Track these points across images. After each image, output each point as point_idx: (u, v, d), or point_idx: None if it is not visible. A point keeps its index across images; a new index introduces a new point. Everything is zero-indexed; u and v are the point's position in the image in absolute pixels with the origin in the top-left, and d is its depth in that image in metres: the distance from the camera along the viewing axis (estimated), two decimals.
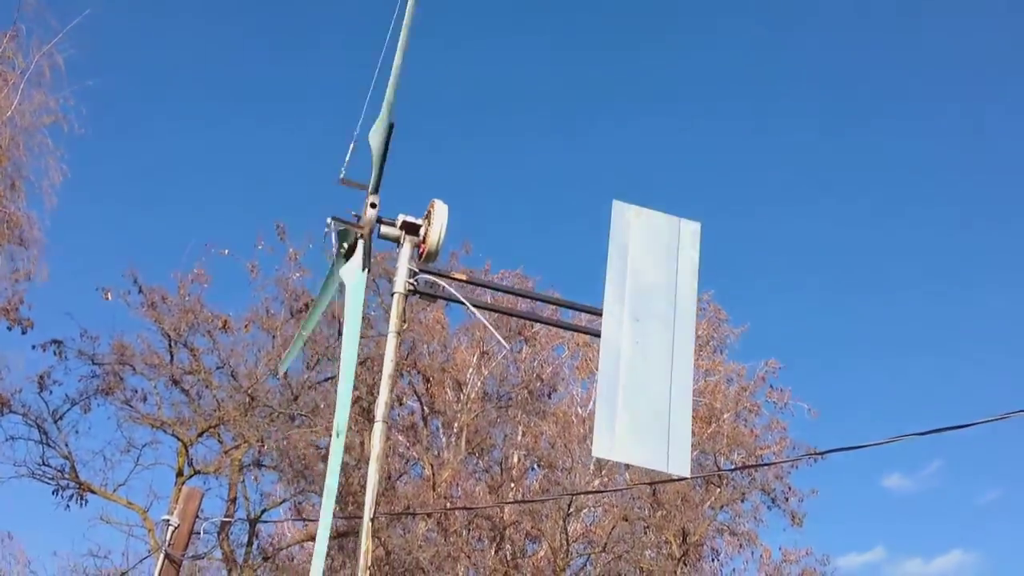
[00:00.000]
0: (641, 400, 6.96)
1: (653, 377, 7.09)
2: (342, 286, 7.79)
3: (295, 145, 57.28)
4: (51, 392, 23.18)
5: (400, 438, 29.72)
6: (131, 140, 50.06)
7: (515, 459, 32.28)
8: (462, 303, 7.43)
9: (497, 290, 7.14)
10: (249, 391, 23.10)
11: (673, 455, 6.91)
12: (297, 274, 25.72)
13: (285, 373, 22.90)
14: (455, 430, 31.28)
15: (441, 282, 7.35)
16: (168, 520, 16.20)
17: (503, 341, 26.41)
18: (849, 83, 63.56)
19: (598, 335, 7.27)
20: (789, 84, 63.73)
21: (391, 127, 7.24)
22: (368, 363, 25.45)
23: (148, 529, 22.43)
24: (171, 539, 16.15)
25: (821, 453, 9.97)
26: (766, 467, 29.81)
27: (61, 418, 23.04)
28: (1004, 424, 9.08)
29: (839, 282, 59.78)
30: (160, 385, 23.95)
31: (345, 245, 7.69)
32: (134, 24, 51.24)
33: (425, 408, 29.66)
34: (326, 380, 25.23)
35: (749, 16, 63.27)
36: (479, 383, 31.71)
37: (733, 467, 31.16)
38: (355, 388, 24.65)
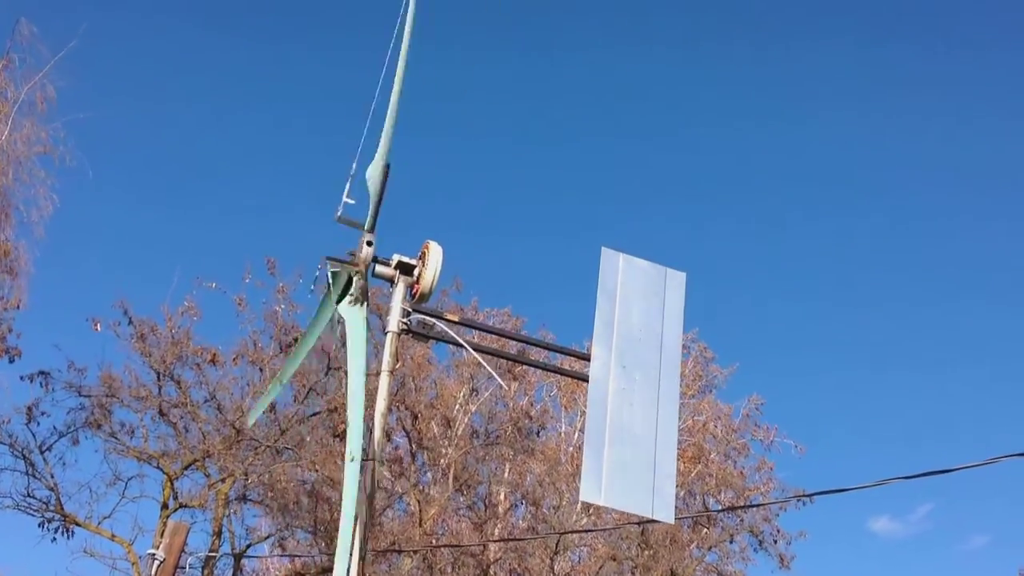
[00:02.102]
0: (627, 446, 7.06)
1: (639, 424, 7.19)
2: (334, 322, 7.86)
3: (286, 180, 57.48)
4: (38, 424, 23.10)
5: (386, 473, 29.62)
6: (120, 171, 50.13)
7: (500, 496, 32.19)
8: (460, 345, 7.51)
9: (489, 332, 7.15)
10: (236, 424, 23.03)
11: (658, 502, 7.01)
12: (282, 306, 25.70)
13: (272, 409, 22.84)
14: (442, 466, 31.19)
15: (439, 323, 7.42)
16: (154, 554, 16.12)
17: (503, 382, 26.46)
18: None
19: (586, 379, 7.34)
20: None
21: (387, 167, 7.34)
22: None
23: (132, 563, 22.25)
24: (156, 573, 16.07)
25: (810, 495, 10.02)
26: (754, 508, 29.72)
27: (48, 449, 22.92)
28: (994, 466, 9.17)
29: (824, 317, 60.00)
30: (147, 418, 23.87)
31: (335, 289, 7.75)
32: (123, 56, 51.59)
33: (412, 444, 29.58)
34: (313, 415, 25.18)
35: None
36: (466, 420, 31.68)
37: (721, 508, 31.16)
38: (343, 422, 24.72)
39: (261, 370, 24.61)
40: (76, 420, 23.32)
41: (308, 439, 23.63)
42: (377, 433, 7.05)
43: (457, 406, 31.39)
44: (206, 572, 23.20)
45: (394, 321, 7.31)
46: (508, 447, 30.93)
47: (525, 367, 32.63)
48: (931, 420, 56.87)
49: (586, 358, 7.43)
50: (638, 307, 7.58)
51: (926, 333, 59.49)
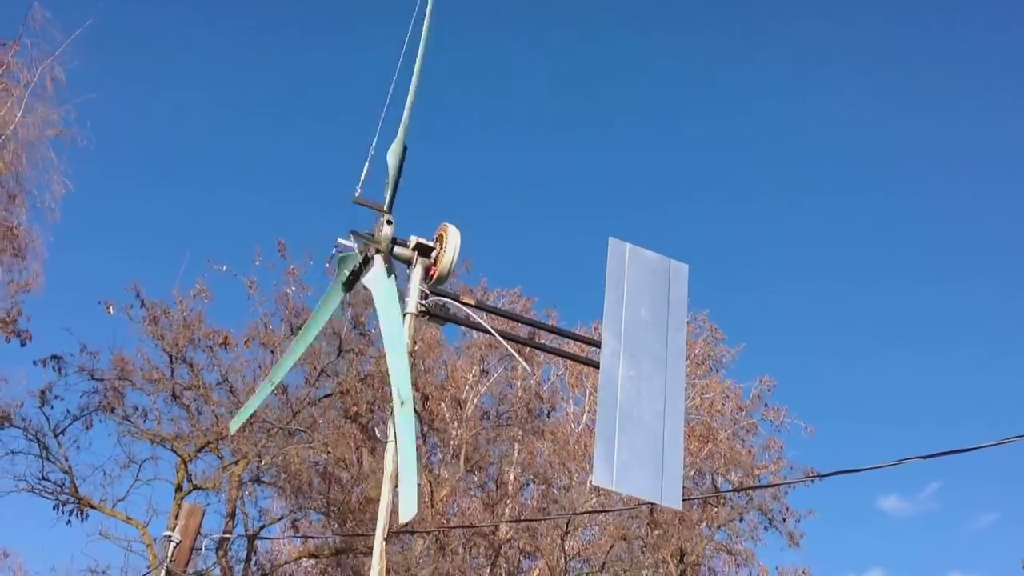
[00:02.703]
0: (637, 434, 7.17)
1: (647, 412, 7.29)
2: (344, 305, 7.89)
3: (297, 162, 57.47)
4: (52, 407, 23.27)
5: (382, 450, 29.69)
6: (131, 151, 50.17)
7: (511, 476, 32.35)
8: (481, 329, 7.55)
9: (505, 316, 7.21)
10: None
11: (666, 488, 7.13)
12: (292, 288, 25.79)
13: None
14: (452, 447, 31.34)
15: (460, 306, 7.47)
16: (170, 536, 16.27)
17: (526, 364, 26.60)
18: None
19: (597, 366, 7.41)
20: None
21: (405, 149, 7.37)
22: (368, 380, 25.56)
23: (147, 544, 22.45)
24: (173, 555, 16.22)
25: (821, 476, 10.06)
26: (764, 488, 29.80)
27: (62, 433, 23.10)
28: (1004, 446, 9.20)
29: (834, 299, 59.91)
30: (160, 401, 24.02)
31: (346, 272, 7.77)
32: (135, 35, 51.51)
33: (423, 425, 29.70)
34: (325, 396, 25.30)
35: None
36: (476, 401, 31.81)
37: (731, 488, 31.24)
38: (354, 404, 24.80)
39: (272, 352, 24.71)
40: (90, 403, 23.52)
41: (321, 421, 23.74)
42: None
43: (467, 387, 31.52)
44: (220, 554, 23.38)
45: (412, 303, 7.35)
46: (519, 428, 31.07)
47: (532, 349, 32.84)
48: (937, 398, 56.86)
49: (596, 344, 7.50)
50: (645, 297, 7.68)
51: (931, 312, 59.38)
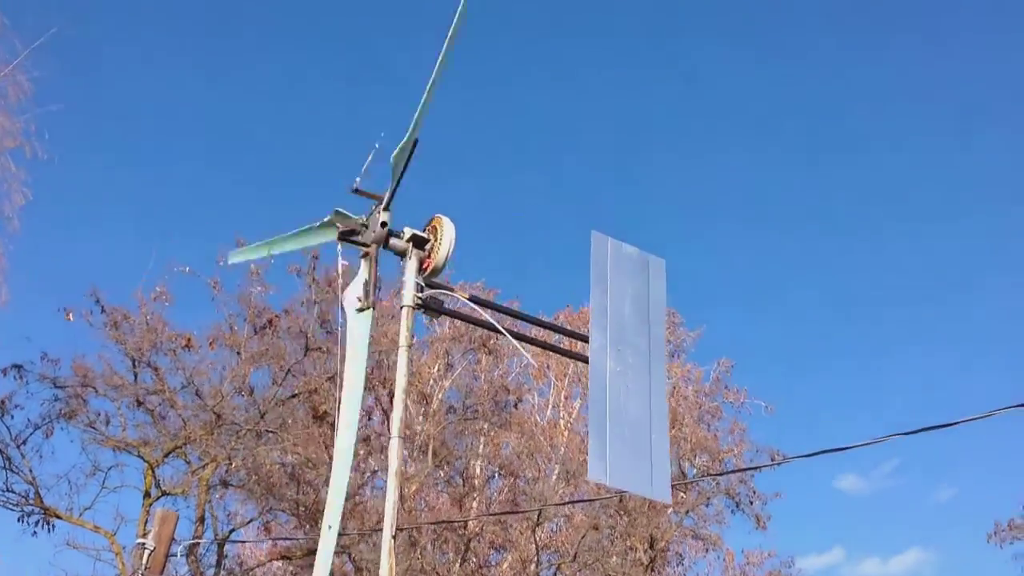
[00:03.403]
0: (626, 428, 7.23)
1: (634, 407, 7.35)
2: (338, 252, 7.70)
3: (251, 161, 56.79)
4: (12, 417, 22.79)
5: (359, 451, 29.57)
6: (87, 154, 49.27)
7: (477, 470, 32.33)
8: (493, 327, 7.52)
9: (498, 310, 7.17)
10: (215, 409, 22.86)
11: (656, 483, 7.18)
12: (259, 288, 25.50)
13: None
14: (419, 444, 31.24)
15: (461, 298, 7.43)
16: (144, 543, 16.05)
17: (530, 358, 26.60)
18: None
19: (586, 360, 7.41)
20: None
21: (415, 143, 7.23)
22: (335, 379, 25.32)
23: (116, 553, 22.10)
24: (148, 563, 15.99)
25: (807, 456, 10.07)
26: (735, 473, 30.08)
27: (24, 443, 22.64)
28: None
29: (784, 278, 60.59)
30: (124, 406, 23.62)
31: (338, 226, 7.59)
32: (94, 43, 50.59)
33: (388, 421, 29.56)
34: (292, 397, 25.06)
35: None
36: (441, 395, 31.72)
37: (703, 475, 31.48)
38: (323, 403, 24.56)
39: (238, 353, 24.44)
40: (51, 412, 23.08)
41: (289, 421, 23.52)
42: (399, 410, 7.05)
43: (432, 381, 31.40)
44: (191, 559, 23.09)
45: (408, 296, 7.27)
46: (485, 421, 31.04)
47: (498, 341, 32.85)
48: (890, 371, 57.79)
49: (585, 339, 7.50)
50: (627, 291, 7.73)
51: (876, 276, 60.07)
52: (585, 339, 7.48)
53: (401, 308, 7.30)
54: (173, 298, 24.57)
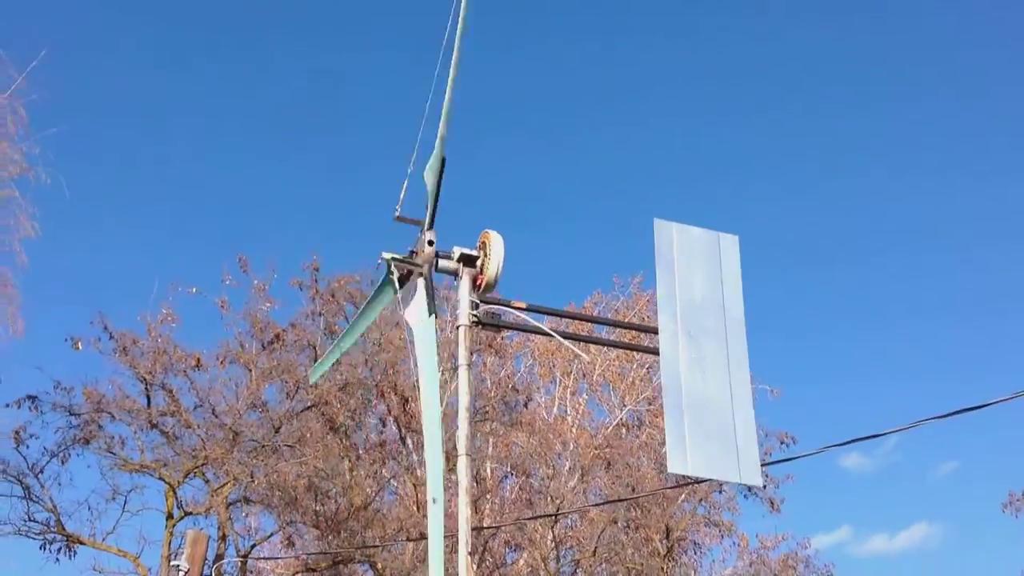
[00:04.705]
0: (705, 414, 7.15)
1: (713, 391, 7.28)
2: (397, 302, 7.84)
3: (255, 178, 56.64)
4: (28, 447, 22.79)
5: (365, 458, 29.60)
6: (86, 182, 49.05)
7: (488, 471, 32.44)
8: (538, 332, 7.61)
9: (558, 315, 7.26)
10: (232, 427, 22.91)
11: (743, 466, 7.12)
12: (267, 305, 25.55)
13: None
14: None
15: (508, 311, 7.51)
16: (178, 566, 16.16)
17: (584, 355, 26.71)
18: None
19: (656, 352, 7.43)
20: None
21: (443, 162, 7.35)
22: (347, 388, 25.45)
23: (142, 575, 22.11)
24: None
25: (840, 444, 10.19)
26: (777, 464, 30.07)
27: (41, 471, 22.64)
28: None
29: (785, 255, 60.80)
30: (139, 429, 23.62)
31: (395, 274, 7.75)
32: (89, 63, 50.37)
33: (402, 428, 29.63)
34: (305, 410, 25.13)
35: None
36: (450, 399, 31.80)
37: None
38: (336, 414, 24.60)
39: (249, 370, 24.47)
40: (67, 439, 23.07)
41: (307, 436, 23.57)
42: (464, 428, 7.14)
43: (454, 386, 31.44)
44: None
45: (464, 314, 7.37)
46: (495, 422, 31.13)
47: (504, 342, 32.97)
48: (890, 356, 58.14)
49: (653, 331, 7.54)
50: (697, 275, 7.66)
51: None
52: (654, 331, 7.46)
53: (458, 327, 7.40)
54: (179, 318, 24.62)
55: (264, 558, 25.03)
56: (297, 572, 24.69)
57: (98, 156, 51.01)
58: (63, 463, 23.24)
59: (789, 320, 56.98)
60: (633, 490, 29.87)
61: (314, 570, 24.20)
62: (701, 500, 32.67)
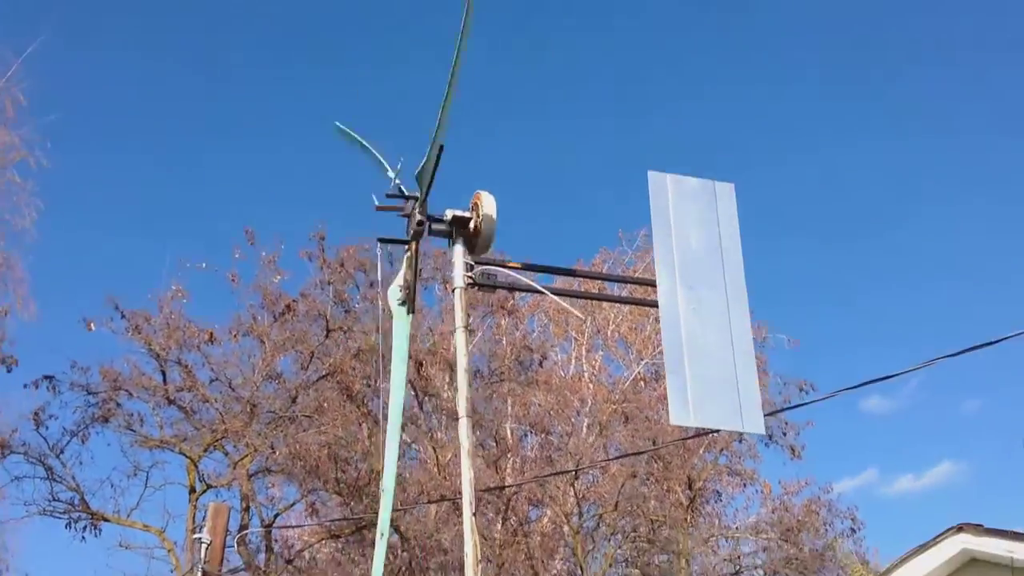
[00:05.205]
0: (706, 365, 7.10)
1: (714, 342, 7.22)
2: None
3: (260, 152, 56.49)
4: (48, 428, 23.03)
5: (383, 424, 29.68)
6: (90, 168, 49.08)
7: (508, 431, 32.60)
8: (532, 290, 7.55)
9: (556, 273, 7.20)
10: (249, 400, 23.06)
11: (746, 414, 7.08)
12: (276, 277, 25.61)
13: None
14: (448, 411, 31.47)
15: (506, 271, 7.44)
16: (200, 538, 16.26)
17: (578, 313, 26.75)
18: None
19: (655, 305, 7.37)
20: None
21: (441, 148, 7.11)
22: (360, 355, 25.51)
23: (168, 549, 22.42)
24: (206, 556, 16.21)
25: (855, 387, 10.16)
26: (789, 410, 30.06)
27: (62, 451, 22.91)
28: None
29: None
30: (156, 406, 23.84)
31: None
32: (89, 46, 50.24)
33: (419, 393, 29.75)
34: (320, 379, 25.25)
35: None
36: (465, 360, 31.84)
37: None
38: (352, 382, 24.71)
39: (263, 342, 24.58)
40: (86, 417, 23.31)
41: (325, 405, 23.71)
42: (464, 390, 7.11)
43: (454, 349, 31.53)
44: (240, 548, 23.39)
45: (459, 276, 7.30)
46: (512, 382, 31.23)
47: (517, 302, 32.98)
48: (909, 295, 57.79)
49: (651, 283, 7.47)
50: (694, 225, 7.56)
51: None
52: (652, 284, 7.38)
53: (453, 290, 7.34)
54: (189, 294, 24.73)
55: (287, 527, 25.27)
56: (321, 539, 24.97)
57: (96, 140, 50.88)
58: (83, 442, 23.56)
59: (809, 269, 56.79)
60: (654, 443, 29.99)
61: (338, 536, 24.45)
62: (722, 450, 32.75)
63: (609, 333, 33.91)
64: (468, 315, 7.37)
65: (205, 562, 16.26)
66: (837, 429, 51.61)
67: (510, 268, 7.52)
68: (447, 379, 31.21)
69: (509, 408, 32.49)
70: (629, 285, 28.04)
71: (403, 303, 7.52)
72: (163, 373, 23.71)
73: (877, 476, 52.11)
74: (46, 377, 22.60)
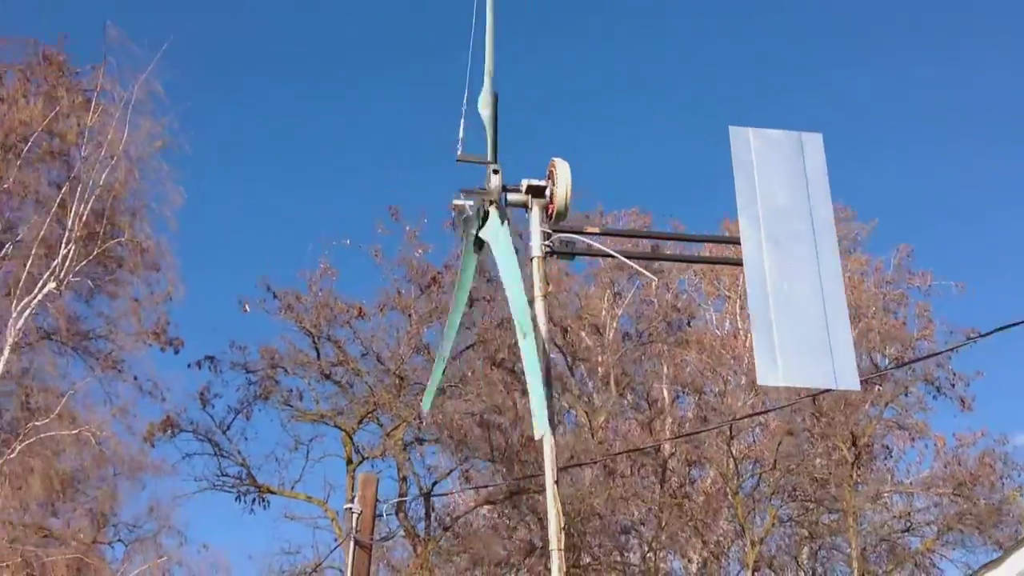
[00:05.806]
0: (796, 321, 6.83)
1: (804, 296, 6.94)
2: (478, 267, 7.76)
3: (390, 130, 57.66)
4: (213, 406, 24.26)
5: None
6: (226, 150, 51.23)
7: (663, 391, 32.30)
8: (608, 255, 7.43)
9: (634, 236, 7.10)
10: (397, 372, 23.64)
11: (840, 370, 6.78)
12: (420, 250, 26.06)
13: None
14: (600, 375, 31.44)
15: (583, 238, 7.34)
16: (351, 508, 16.76)
17: (652, 276, 26.32)
18: None
19: (739, 264, 7.13)
20: None
21: (496, 96, 7.19)
22: (504, 324, 25.73)
23: (331, 519, 23.33)
24: (357, 526, 16.74)
25: (986, 335, 9.51)
26: (928, 359, 28.80)
27: (228, 428, 24.09)
28: None
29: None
30: (312, 381, 24.73)
31: (473, 232, 7.65)
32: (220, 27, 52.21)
33: (568, 358, 29.82)
34: (466, 349, 25.59)
35: None
36: (614, 324, 31.79)
37: (895, 364, 30.34)
38: (497, 350, 24.92)
39: (409, 316, 25.10)
40: (247, 395, 24.43)
41: (469, 374, 24.07)
42: (544, 361, 7.03)
43: (604, 312, 31.47)
44: (401, 516, 24.10)
45: (536, 245, 7.25)
46: (661, 343, 30.92)
47: (662, 262, 32.54)
48: None
49: (735, 242, 7.22)
50: (779, 179, 7.28)
51: None
52: (736, 242, 7.18)
53: (531, 259, 7.28)
54: (337, 271, 25.47)
55: (441, 494, 25.88)
56: (477, 505, 25.47)
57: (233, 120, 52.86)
58: (247, 418, 24.74)
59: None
60: (815, 399, 29.12)
61: (493, 502, 24.87)
62: (887, 404, 31.51)
63: None
64: (547, 283, 7.30)
65: (357, 531, 16.79)
66: (1014, 378, 48.52)
67: (588, 234, 7.41)
68: (599, 342, 31.18)
69: (664, 369, 32.19)
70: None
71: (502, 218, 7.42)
72: (316, 349, 24.59)
73: None
74: (208, 357, 23.83)
